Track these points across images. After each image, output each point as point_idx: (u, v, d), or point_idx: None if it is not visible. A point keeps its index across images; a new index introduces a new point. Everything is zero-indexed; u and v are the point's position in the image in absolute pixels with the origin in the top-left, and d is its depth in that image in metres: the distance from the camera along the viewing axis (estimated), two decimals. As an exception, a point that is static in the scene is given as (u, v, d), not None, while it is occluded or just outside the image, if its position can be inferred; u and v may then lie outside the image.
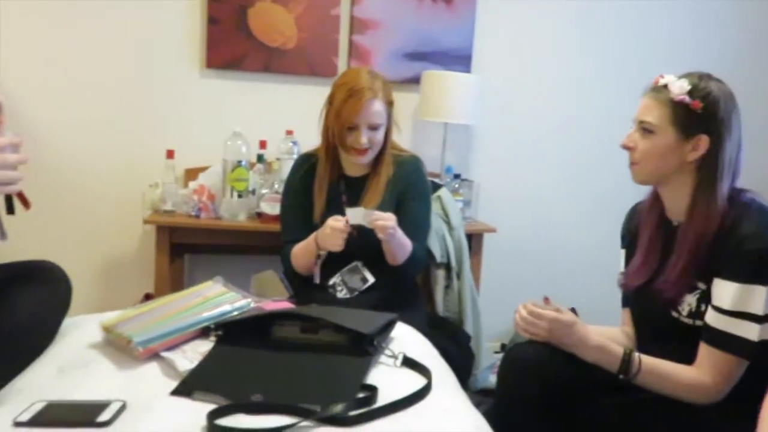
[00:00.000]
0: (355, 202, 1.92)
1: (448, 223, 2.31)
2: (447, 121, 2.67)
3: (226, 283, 1.44)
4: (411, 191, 1.94)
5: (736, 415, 1.22)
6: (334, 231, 1.76)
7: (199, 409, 1.03)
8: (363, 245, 1.82)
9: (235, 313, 1.33)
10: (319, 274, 1.89)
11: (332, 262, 1.89)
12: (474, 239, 2.52)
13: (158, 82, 2.63)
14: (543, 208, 2.99)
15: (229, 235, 2.37)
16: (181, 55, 2.64)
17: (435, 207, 2.25)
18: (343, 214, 1.79)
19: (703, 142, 1.32)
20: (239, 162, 2.33)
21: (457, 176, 2.66)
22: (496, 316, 2.61)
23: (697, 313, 1.32)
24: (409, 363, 1.23)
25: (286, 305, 1.44)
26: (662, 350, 1.34)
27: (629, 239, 1.53)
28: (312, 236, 1.85)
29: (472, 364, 2.16)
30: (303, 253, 1.89)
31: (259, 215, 2.36)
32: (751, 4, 3.05)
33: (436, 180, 2.49)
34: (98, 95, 2.60)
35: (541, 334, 1.35)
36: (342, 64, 2.73)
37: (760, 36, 3.07)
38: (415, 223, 1.92)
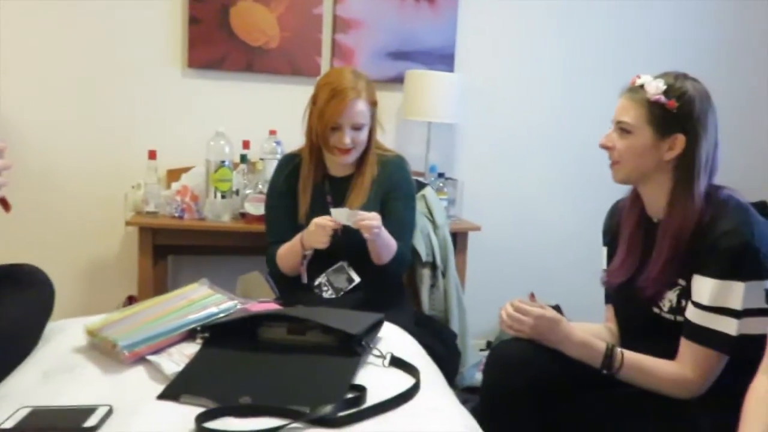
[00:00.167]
0: (340, 202, 1.92)
1: (432, 221, 2.32)
2: (430, 120, 2.68)
3: (211, 285, 1.43)
4: (396, 191, 1.95)
5: (718, 409, 1.25)
6: (319, 228, 1.76)
7: (186, 413, 1.02)
8: (348, 245, 1.82)
9: (222, 315, 1.32)
10: (306, 274, 1.89)
11: (318, 263, 1.89)
12: (459, 238, 2.53)
13: (140, 82, 2.61)
14: (526, 205, 3.02)
15: (212, 236, 2.36)
16: (162, 55, 2.61)
17: (420, 206, 2.26)
18: (328, 214, 1.79)
19: (680, 141, 1.34)
20: (222, 162, 2.32)
21: (441, 175, 2.67)
22: (481, 313, 2.63)
23: (678, 309, 1.34)
24: (397, 363, 1.23)
25: (272, 306, 1.44)
26: (645, 346, 1.36)
27: (610, 237, 1.56)
28: (297, 236, 1.85)
29: (458, 362, 2.17)
30: (289, 253, 1.88)
31: (243, 216, 2.35)
32: (728, 4, 3.10)
33: (421, 179, 2.50)
34: (79, 95, 2.57)
35: (525, 331, 1.37)
36: (325, 63, 2.72)
37: (737, 35, 3.12)
38: (400, 222, 1.92)
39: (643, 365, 1.33)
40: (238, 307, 1.36)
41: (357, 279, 1.89)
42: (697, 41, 3.06)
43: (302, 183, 1.95)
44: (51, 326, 1.38)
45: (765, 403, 1.09)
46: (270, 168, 2.27)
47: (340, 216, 1.75)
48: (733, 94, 2.87)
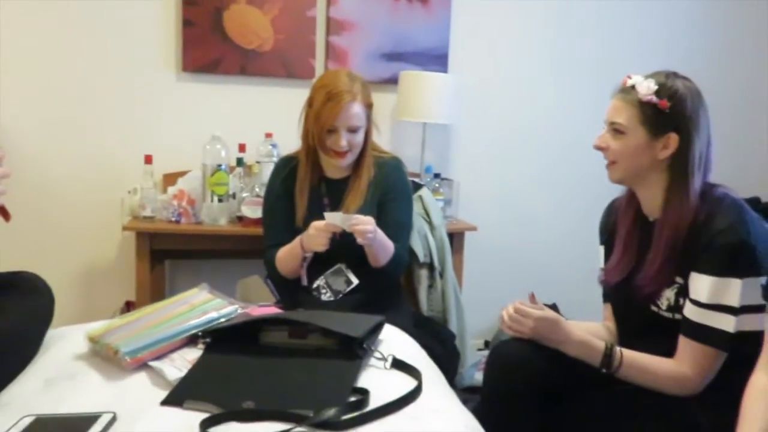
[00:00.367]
0: (337, 204, 1.93)
1: (429, 222, 2.33)
2: (425, 120, 2.69)
3: (211, 290, 1.43)
4: (392, 192, 1.95)
5: (716, 406, 1.26)
6: (317, 231, 1.76)
7: (190, 418, 1.02)
8: (346, 247, 1.83)
9: (223, 319, 1.32)
10: (306, 276, 1.89)
11: (316, 265, 1.90)
12: (455, 238, 2.54)
13: (135, 87, 2.60)
14: (521, 205, 3.03)
15: (210, 240, 2.36)
16: (156, 59, 2.61)
17: (416, 207, 2.27)
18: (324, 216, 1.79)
19: (673, 140, 1.35)
20: (219, 166, 2.32)
21: (437, 176, 2.68)
22: (479, 313, 2.64)
23: (676, 307, 1.35)
24: (398, 365, 1.24)
25: (273, 310, 1.44)
26: (644, 344, 1.37)
27: (607, 236, 1.57)
28: (297, 239, 1.85)
29: (457, 362, 2.18)
30: (288, 256, 1.89)
31: (240, 219, 2.35)
32: (719, 4, 3.12)
33: (417, 180, 2.51)
34: (73, 101, 2.56)
35: (525, 331, 1.38)
36: (319, 65, 2.73)
37: (729, 34, 3.14)
38: (397, 223, 1.93)
39: (641, 364, 1.35)
40: (239, 311, 1.36)
41: (355, 281, 1.89)
42: (690, 41, 3.09)
43: (299, 186, 1.95)
44: (51, 333, 1.37)
45: (763, 399, 1.11)
46: (266, 171, 2.27)
47: (333, 220, 1.75)
48: (725, 93, 2.89)
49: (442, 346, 1.97)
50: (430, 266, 2.30)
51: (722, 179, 1.42)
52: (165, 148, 2.55)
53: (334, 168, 1.96)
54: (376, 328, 1.34)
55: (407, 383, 1.17)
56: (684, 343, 1.32)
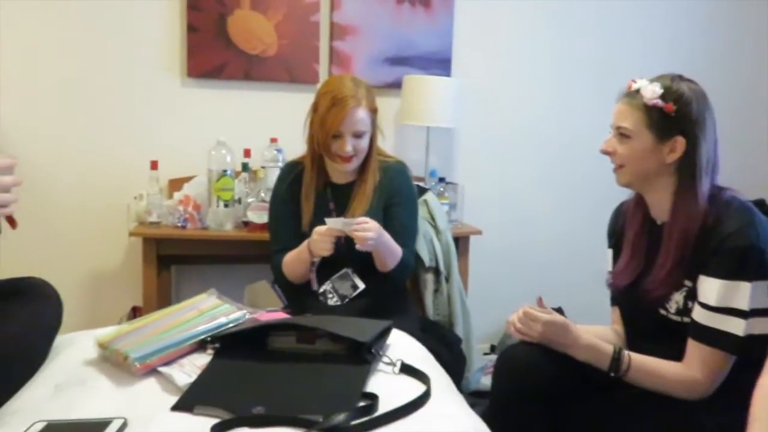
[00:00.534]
0: (342, 209, 1.93)
1: (435, 227, 2.33)
2: (429, 124, 2.69)
3: (220, 295, 1.44)
4: (398, 197, 1.96)
5: (723, 409, 1.26)
6: (320, 236, 1.77)
7: (201, 424, 1.03)
8: (352, 252, 1.83)
9: (231, 325, 1.33)
10: (316, 280, 1.89)
11: (322, 270, 1.90)
12: (460, 242, 2.54)
13: (140, 93, 2.61)
14: (526, 207, 3.03)
15: (216, 245, 2.36)
16: (161, 65, 2.62)
17: (422, 211, 2.27)
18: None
19: (680, 143, 1.35)
20: (224, 171, 2.33)
21: (441, 180, 2.68)
22: (484, 317, 2.64)
23: (685, 311, 1.35)
24: (407, 369, 1.24)
25: (280, 315, 1.44)
26: (652, 347, 1.37)
27: (615, 239, 1.57)
28: (304, 244, 1.85)
29: (463, 366, 2.17)
30: (296, 260, 1.89)
31: (246, 224, 2.36)
32: (720, 4, 3.12)
33: (421, 184, 2.51)
34: (79, 107, 2.57)
35: (533, 335, 1.38)
36: (323, 70, 2.73)
37: (732, 35, 3.15)
38: (403, 228, 1.93)
39: (650, 367, 1.34)
40: (247, 316, 1.37)
41: (361, 285, 1.89)
42: (692, 41, 3.09)
43: (305, 191, 1.95)
44: (60, 339, 1.38)
45: (773, 402, 1.10)
46: (272, 176, 2.28)
47: (335, 225, 1.76)
48: (728, 94, 2.88)
49: (449, 351, 1.97)
50: (436, 270, 2.30)
51: (725, 181, 1.42)
52: (170, 153, 2.56)
53: (340, 173, 1.96)
54: (384, 333, 1.34)
55: (416, 388, 1.17)
56: (693, 347, 1.32)
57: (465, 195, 2.73)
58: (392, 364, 1.25)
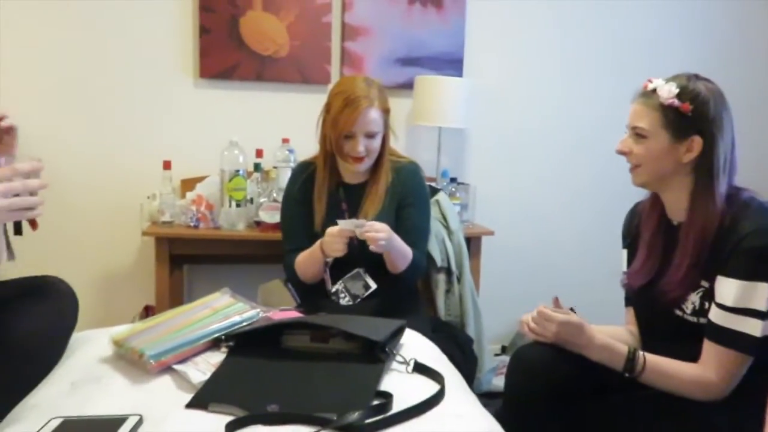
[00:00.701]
0: (355, 209, 1.93)
1: (446, 227, 2.33)
2: (440, 125, 2.69)
3: (233, 294, 1.44)
4: (410, 197, 1.96)
5: (738, 409, 1.25)
6: (332, 237, 1.77)
7: (216, 421, 1.03)
8: (365, 252, 1.83)
9: (245, 323, 1.33)
10: (330, 280, 1.89)
11: (335, 270, 1.90)
12: (472, 242, 2.54)
13: (153, 94, 2.63)
14: (538, 208, 3.02)
15: (228, 244, 2.37)
16: (174, 66, 2.64)
17: (434, 211, 2.27)
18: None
19: (697, 143, 1.34)
20: (237, 171, 2.34)
21: (453, 180, 2.68)
22: (496, 318, 2.63)
23: (701, 311, 1.34)
24: (420, 369, 1.24)
25: (294, 314, 1.45)
26: (668, 348, 1.36)
27: (630, 239, 1.55)
28: (317, 244, 1.85)
29: (475, 367, 2.17)
30: (309, 260, 1.89)
31: (258, 224, 2.36)
32: (732, 4, 3.10)
33: (433, 184, 2.51)
34: (92, 108, 2.59)
35: (547, 335, 1.38)
36: (335, 71, 2.74)
37: (746, 35, 3.12)
38: (415, 228, 1.93)
39: (665, 368, 1.33)
40: (261, 315, 1.37)
41: (373, 285, 1.90)
42: (706, 41, 3.07)
43: (317, 191, 1.96)
44: (75, 337, 1.39)
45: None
46: (284, 176, 2.29)
47: (347, 226, 1.76)
48: (741, 93, 2.85)
49: (460, 351, 1.97)
50: (448, 271, 2.30)
51: (742, 182, 1.40)
52: (183, 153, 2.58)
53: (352, 173, 1.96)
54: (398, 332, 1.34)
55: (429, 387, 1.17)
56: (709, 347, 1.31)
57: (477, 195, 2.73)
58: (406, 363, 1.24)
